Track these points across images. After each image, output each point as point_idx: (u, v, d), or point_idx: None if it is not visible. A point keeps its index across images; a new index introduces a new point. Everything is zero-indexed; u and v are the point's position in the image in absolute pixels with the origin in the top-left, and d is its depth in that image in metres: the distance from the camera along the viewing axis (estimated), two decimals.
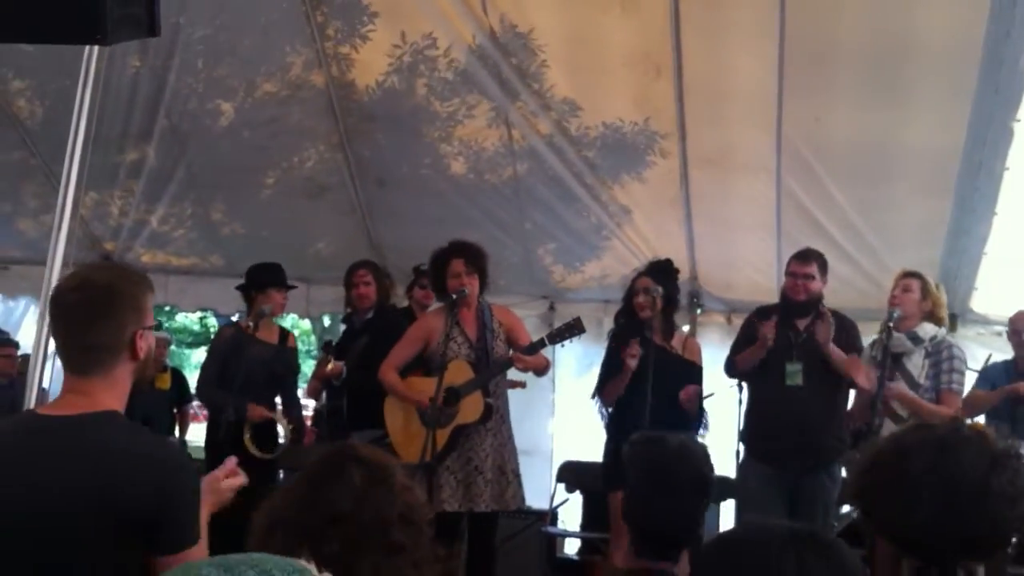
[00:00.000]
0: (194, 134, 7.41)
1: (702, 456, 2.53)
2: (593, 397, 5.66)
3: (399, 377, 5.40)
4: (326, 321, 15.78)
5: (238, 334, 6.10)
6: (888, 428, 4.96)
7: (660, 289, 5.40)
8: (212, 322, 19.71)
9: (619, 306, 7.82)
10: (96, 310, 2.19)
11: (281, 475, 6.37)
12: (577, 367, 7.80)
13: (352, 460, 1.73)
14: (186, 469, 2.21)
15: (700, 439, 5.52)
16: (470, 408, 5.20)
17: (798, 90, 6.04)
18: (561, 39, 6.37)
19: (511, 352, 5.32)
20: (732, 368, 5.51)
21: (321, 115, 7.19)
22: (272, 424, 6.05)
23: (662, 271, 5.65)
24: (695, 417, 5.47)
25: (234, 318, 10.54)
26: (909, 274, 5.30)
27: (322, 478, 1.72)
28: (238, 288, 6.34)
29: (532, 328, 7.10)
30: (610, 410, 5.57)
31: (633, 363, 5.25)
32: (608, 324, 7.82)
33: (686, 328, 6.96)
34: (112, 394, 2.22)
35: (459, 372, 5.18)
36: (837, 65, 5.95)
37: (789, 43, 5.79)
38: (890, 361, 5.03)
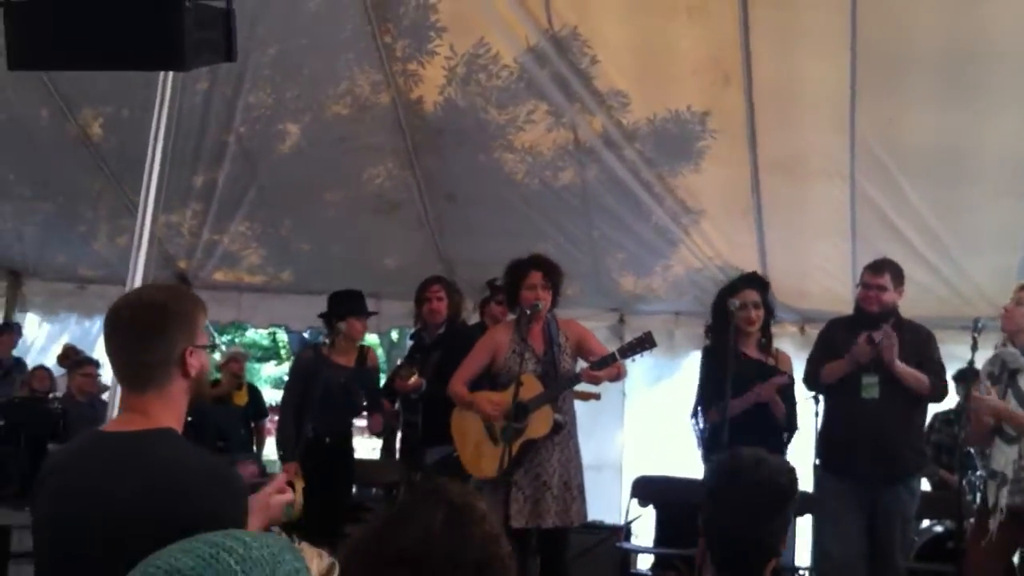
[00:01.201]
0: (263, 154, 7.50)
1: (779, 468, 2.43)
2: (692, 418, 5.55)
3: (468, 391, 5.39)
4: (394, 336, 15.87)
5: (316, 356, 6.14)
6: (1000, 448, 4.81)
7: (751, 299, 5.30)
8: (282, 336, 19.95)
9: (688, 317, 7.83)
10: (147, 327, 2.24)
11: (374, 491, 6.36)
12: (647, 379, 7.74)
13: (437, 501, 1.69)
14: (237, 486, 2.25)
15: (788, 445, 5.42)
16: (539, 423, 5.17)
17: (872, 92, 5.92)
18: (627, 48, 6.31)
19: (580, 368, 5.27)
20: (814, 381, 5.38)
21: (389, 132, 7.21)
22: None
23: (760, 283, 5.55)
24: (785, 425, 5.34)
25: (305, 334, 10.65)
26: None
27: (401, 516, 1.69)
28: (321, 316, 6.41)
29: (602, 340, 7.04)
30: (707, 427, 5.47)
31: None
32: (679, 336, 7.78)
33: None
34: (168, 412, 2.26)
35: (529, 386, 5.15)
36: (912, 65, 5.81)
37: (861, 44, 5.67)
38: (1007, 377, 4.87)
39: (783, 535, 2.35)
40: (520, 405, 5.07)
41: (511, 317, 5.66)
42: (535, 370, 5.23)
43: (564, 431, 5.22)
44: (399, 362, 7.27)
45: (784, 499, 2.36)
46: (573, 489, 5.21)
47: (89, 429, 2.48)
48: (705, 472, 2.46)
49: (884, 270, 5.25)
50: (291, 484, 5.74)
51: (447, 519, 1.66)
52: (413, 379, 6.14)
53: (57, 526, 2.21)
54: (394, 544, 1.63)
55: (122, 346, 2.27)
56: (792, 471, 2.43)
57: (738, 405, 5.24)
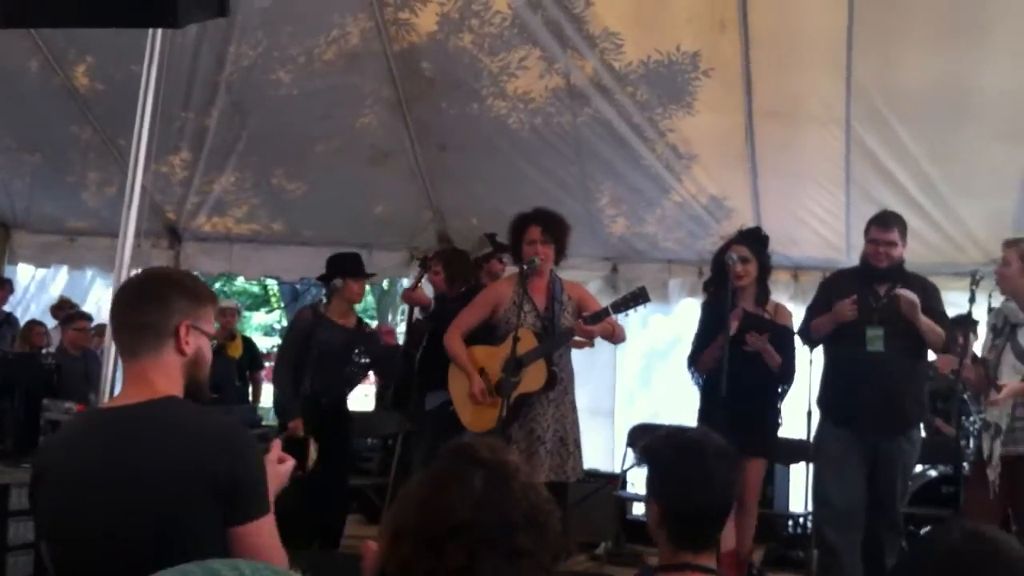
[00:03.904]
0: (255, 103, 7.40)
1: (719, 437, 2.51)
2: (690, 368, 5.55)
3: (463, 345, 5.34)
4: (384, 285, 15.83)
5: (315, 317, 6.12)
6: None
7: (735, 255, 5.25)
8: (271, 284, 19.92)
9: (681, 266, 7.83)
10: (147, 291, 2.28)
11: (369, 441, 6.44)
12: (640, 327, 7.74)
13: (472, 463, 1.68)
14: (251, 444, 2.27)
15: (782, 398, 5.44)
16: (533, 377, 5.12)
17: (869, 35, 5.86)
18: None
19: (577, 322, 5.22)
20: (807, 335, 5.38)
21: (381, 81, 7.13)
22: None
23: (754, 238, 5.52)
24: (781, 375, 5.35)
25: (297, 285, 10.59)
26: (1008, 244, 4.97)
27: (442, 484, 1.67)
28: (319, 279, 6.39)
29: (595, 290, 7.05)
30: (704, 376, 5.49)
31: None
32: (672, 285, 7.78)
33: None
34: (167, 380, 2.25)
35: (525, 341, 5.08)
36: (910, 7, 5.75)
37: None
38: (1008, 331, 4.86)
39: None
40: (515, 359, 5.03)
41: (509, 272, 5.60)
42: (534, 325, 5.18)
43: (560, 386, 5.19)
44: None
45: (736, 464, 2.50)
46: (569, 444, 5.18)
47: (94, 408, 2.46)
48: (650, 451, 2.51)
49: (893, 225, 5.18)
50: (303, 439, 5.78)
51: (487, 480, 1.65)
52: (419, 289, 6.20)
53: (73, 509, 2.17)
54: (442, 517, 1.61)
55: (121, 309, 2.30)
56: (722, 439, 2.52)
57: (708, 354, 5.27)
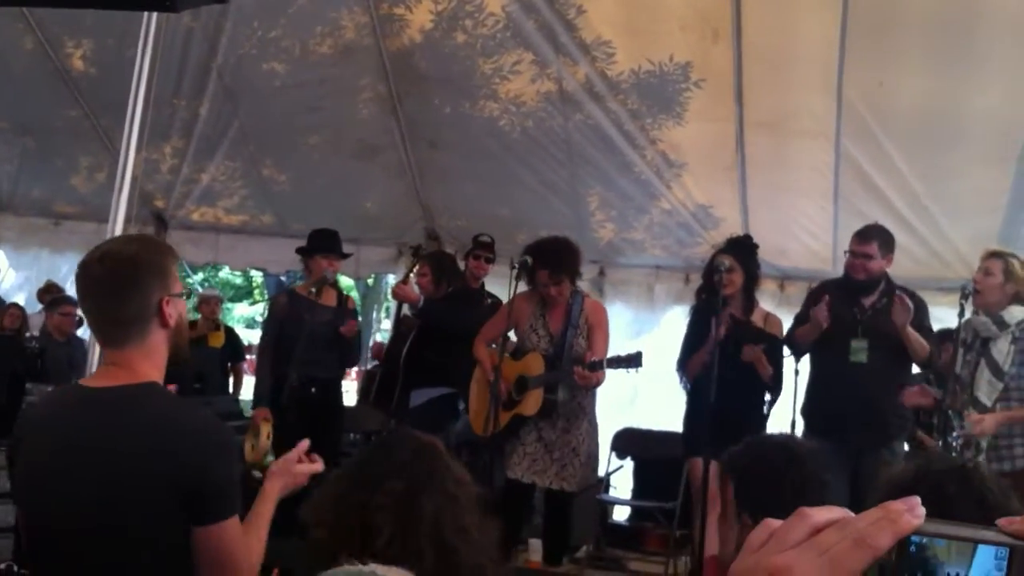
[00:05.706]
0: (246, 94, 7.40)
1: (812, 453, 2.48)
2: (678, 372, 5.61)
3: (486, 351, 5.61)
4: (370, 281, 15.78)
5: (294, 300, 6.08)
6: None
7: (725, 262, 5.31)
8: (255, 275, 19.84)
9: (669, 272, 7.86)
10: (121, 281, 2.20)
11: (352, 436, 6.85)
12: (626, 333, 7.73)
13: (401, 440, 1.84)
14: (228, 443, 2.25)
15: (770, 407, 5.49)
16: (530, 402, 5.36)
17: (861, 53, 5.89)
18: (614, 1, 6.26)
19: (575, 368, 5.26)
20: (793, 344, 5.43)
21: (373, 76, 7.13)
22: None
23: (741, 247, 5.57)
24: (771, 385, 5.39)
25: (283, 277, 10.54)
26: (992, 254, 4.98)
27: (370, 458, 1.82)
28: (298, 251, 6.36)
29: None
30: (692, 381, 5.53)
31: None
32: (659, 290, 7.81)
33: None
34: (150, 364, 2.23)
35: (535, 364, 5.35)
36: (903, 28, 5.79)
37: (853, 4, 5.64)
38: (979, 345, 4.89)
39: None
40: (523, 380, 5.31)
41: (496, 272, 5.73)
42: (546, 349, 5.40)
43: (573, 403, 5.37)
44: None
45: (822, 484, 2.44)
46: (581, 455, 5.40)
47: (70, 384, 2.43)
48: (749, 451, 2.49)
49: (872, 238, 5.24)
50: (258, 427, 5.76)
51: (416, 453, 1.81)
52: (409, 284, 6.31)
53: (46, 481, 2.17)
54: (373, 475, 1.76)
55: (97, 303, 2.23)
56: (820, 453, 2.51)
57: (697, 359, 5.34)
